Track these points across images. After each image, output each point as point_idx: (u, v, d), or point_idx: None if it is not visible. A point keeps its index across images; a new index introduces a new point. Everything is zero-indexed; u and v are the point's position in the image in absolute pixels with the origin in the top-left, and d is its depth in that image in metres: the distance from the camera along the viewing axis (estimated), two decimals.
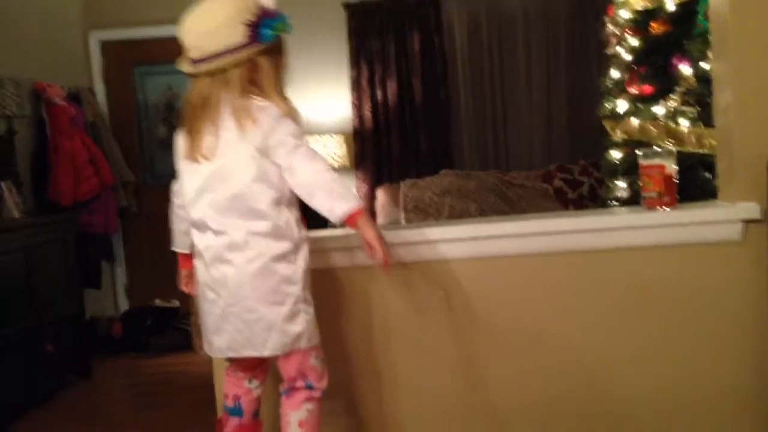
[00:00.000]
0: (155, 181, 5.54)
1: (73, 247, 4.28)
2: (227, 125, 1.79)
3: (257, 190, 1.78)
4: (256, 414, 1.97)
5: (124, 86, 5.60)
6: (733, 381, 2.01)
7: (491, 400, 2.08)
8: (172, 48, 6.01)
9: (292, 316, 1.80)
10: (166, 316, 4.89)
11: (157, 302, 5.00)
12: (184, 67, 1.85)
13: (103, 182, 4.82)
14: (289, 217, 1.82)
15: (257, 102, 1.79)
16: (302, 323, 1.81)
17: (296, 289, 1.80)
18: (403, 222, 4.62)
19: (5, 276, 3.59)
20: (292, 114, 1.81)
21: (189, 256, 1.99)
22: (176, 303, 4.96)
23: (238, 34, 1.76)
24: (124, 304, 5.52)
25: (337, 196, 1.78)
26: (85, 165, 4.68)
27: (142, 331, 4.79)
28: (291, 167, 1.78)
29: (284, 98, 1.82)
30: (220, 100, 1.80)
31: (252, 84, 1.80)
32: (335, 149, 5.30)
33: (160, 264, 5.11)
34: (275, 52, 1.83)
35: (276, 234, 1.78)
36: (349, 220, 1.79)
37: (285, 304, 1.79)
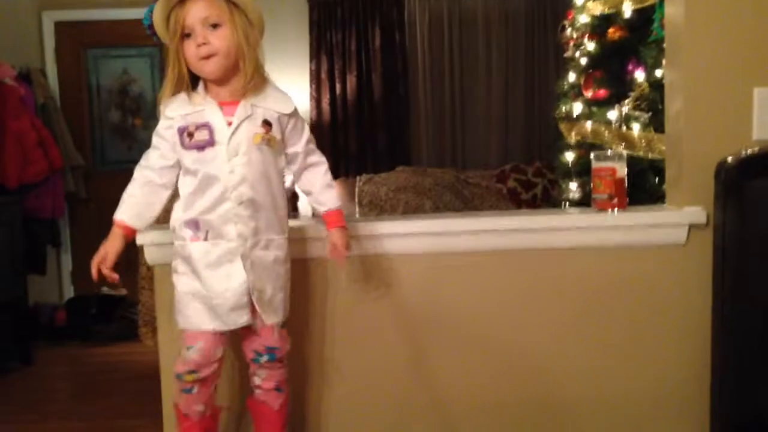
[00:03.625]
0: (105, 167, 5.41)
1: (18, 231, 4.17)
2: None
3: None
4: None
5: (77, 69, 5.47)
6: (675, 377, 2.05)
7: (438, 397, 2.09)
8: (129, 31, 5.92)
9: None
10: (113, 305, 4.79)
11: (104, 290, 4.90)
12: None
13: (51, 166, 4.70)
14: None
15: None
16: None
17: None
18: (357, 216, 4.61)
19: None
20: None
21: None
22: (123, 291, 4.86)
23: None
24: (69, 292, 5.40)
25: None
26: (33, 147, 4.55)
27: (87, 320, 4.68)
28: None
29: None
30: None
31: None
32: None
33: None
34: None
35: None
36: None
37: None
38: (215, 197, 1.74)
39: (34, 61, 5.18)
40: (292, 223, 1.94)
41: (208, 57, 1.71)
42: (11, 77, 4.54)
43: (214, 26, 1.71)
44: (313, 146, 1.90)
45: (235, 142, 1.74)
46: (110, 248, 1.79)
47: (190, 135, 1.75)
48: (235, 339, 1.88)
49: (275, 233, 1.80)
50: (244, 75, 1.75)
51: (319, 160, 1.91)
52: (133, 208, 1.80)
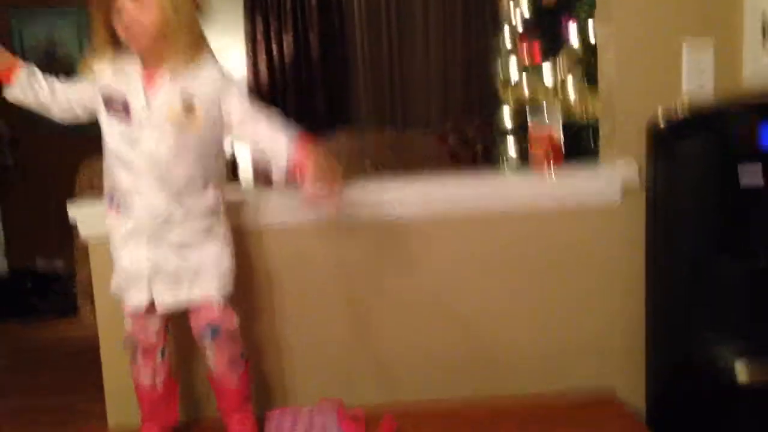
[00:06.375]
0: (34, 133, 5.20)
1: None
2: None
3: None
4: None
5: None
6: (613, 329, 2.11)
7: (383, 357, 2.10)
8: None
9: None
10: (49, 279, 4.66)
11: (39, 263, 4.76)
12: None
13: None
14: None
15: None
16: None
17: None
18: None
19: None
20: None
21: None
22: (60, 264, 4.74)
23: None
24: (2, 265, 5.23)
25: None
26: None
27: (23, 295, 4.55)
28: None
29: None
30: None
31: None
32: None
33: (42, 222, 4.87)
34: None
35: None
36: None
37: None
38: (125, 170, 1.68)
39: None
40: (230, 194, 1.89)
41: (130, 31, 1.63)
42: None
43: None
44: (249, 105, 1.73)
45: (148, 116, 1.66)
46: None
47: (109, 102, 1.69)
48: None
49: (194, 207, 1.70)
50: (174, 48, 1.65)
51: (262, 113, 1.73)
52: (32, 69, 1.75)
